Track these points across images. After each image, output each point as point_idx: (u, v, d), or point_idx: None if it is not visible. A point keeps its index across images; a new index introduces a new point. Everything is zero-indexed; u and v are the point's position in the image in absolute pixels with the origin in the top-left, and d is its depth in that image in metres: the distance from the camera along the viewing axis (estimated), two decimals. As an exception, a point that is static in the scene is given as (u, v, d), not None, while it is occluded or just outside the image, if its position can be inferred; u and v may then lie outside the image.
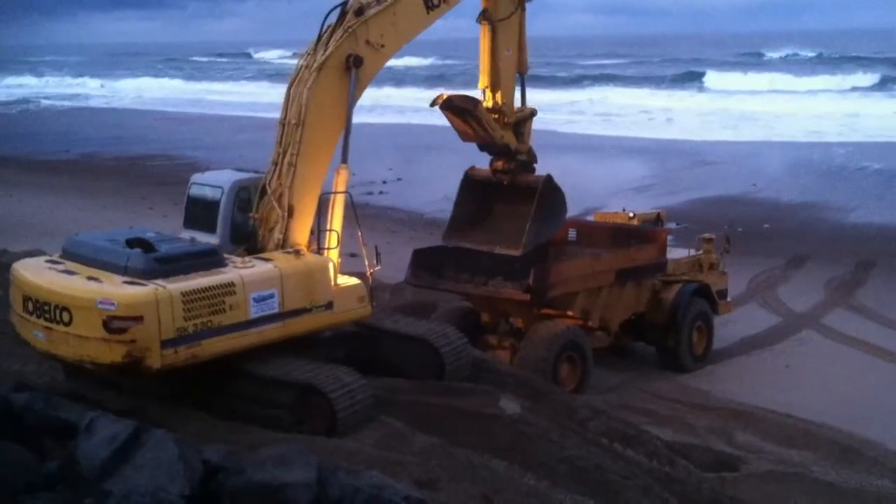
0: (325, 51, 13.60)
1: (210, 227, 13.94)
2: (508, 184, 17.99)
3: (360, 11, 13.79)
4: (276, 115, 13.96)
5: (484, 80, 17.45)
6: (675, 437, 15.40)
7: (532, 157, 18.13)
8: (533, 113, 18.09)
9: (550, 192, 17.70)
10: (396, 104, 71.67)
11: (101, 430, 8.83)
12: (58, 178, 44.16)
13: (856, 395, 18.31)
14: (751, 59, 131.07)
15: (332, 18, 14.00)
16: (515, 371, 15.92)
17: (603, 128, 63.72)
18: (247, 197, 14.12)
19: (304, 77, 13.61)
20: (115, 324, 10.91)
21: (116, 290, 11.14)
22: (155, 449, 8.63)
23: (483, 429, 12.35)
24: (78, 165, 49.74)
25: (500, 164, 17.95)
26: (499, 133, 17.34)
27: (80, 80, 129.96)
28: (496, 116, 17.36)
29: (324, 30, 13.94)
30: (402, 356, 14.30)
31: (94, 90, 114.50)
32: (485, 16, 17.12)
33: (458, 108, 17.05)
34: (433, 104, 17.19)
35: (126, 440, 8.69)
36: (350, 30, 13.68)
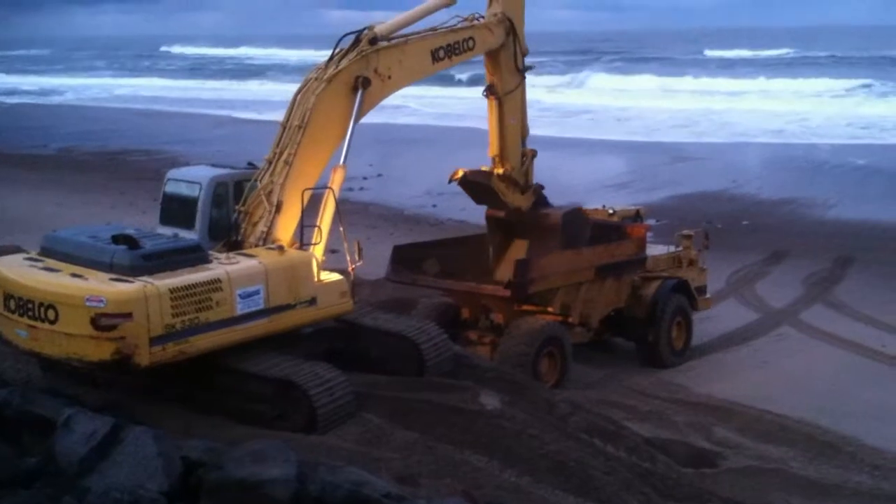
0: (336, 66, 14.41)
1: (187, 224, 13.93)
2: (529, 221, 18.99)
3: (373, 41, 14.76)
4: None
5: (493, 149, 18.47)
6: (654, 433, 15.45)
7: (539, 190, 19.06)
8: (534, 154, 19.03)
9: (571, 224, 18.72)
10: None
11: (79, 426, 8.82)
12: (36, 172, 43.81)
13: (834, 391, 18.42)
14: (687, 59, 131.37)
15: (345, 43, 14.91)
16: (496, 366, 15.93)
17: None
18: (224, 193, 14.19)
19: (312, 87, 14.28)
20: (104, 321, 10.84)
21: (105, 287, 11.06)
22: (134, 445, 8.62)
23: (464, 424, 12.35)
24: (56, 160, 49.38)
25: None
26: (510, 199, 18.54)
27: (36, 78, 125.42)
28: (506, 184, 18.43)
29: (336, 51, 14.79)
30: (382, 352, 14.30)
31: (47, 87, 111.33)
32: (491, 90, 18.17)
33: (473, 185, 18.29)
34: (450, 181, 18.32)
35: (105, 437, 8.68)
36: (363, 53, 14.56)
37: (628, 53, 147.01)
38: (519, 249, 19.24)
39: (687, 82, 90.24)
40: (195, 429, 11.23)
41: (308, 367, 12.23)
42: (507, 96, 18.09)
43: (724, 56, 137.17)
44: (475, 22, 17.05)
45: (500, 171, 18.40)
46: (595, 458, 12.53)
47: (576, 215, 18.94)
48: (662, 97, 78.96)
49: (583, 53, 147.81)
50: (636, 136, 57.40)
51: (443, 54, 16.19)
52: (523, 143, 18.91)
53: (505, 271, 18.86)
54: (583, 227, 19.03)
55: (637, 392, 18.15)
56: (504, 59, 17.87)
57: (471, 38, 16.78)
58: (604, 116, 68.55)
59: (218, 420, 11.74)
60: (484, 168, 18.60)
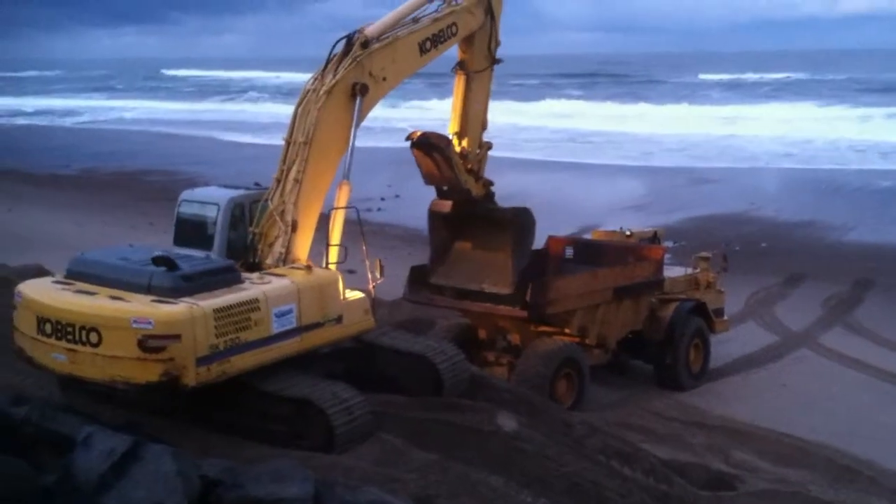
0: (333, 76, 14.37)
1: (203, 244, 13.99)
2: (478, 216, 18.39)
3: (365, 44, 14.73)
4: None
5: (454, 125, 18.22)
6: (672, 455, 15.38)
7: (489, 185, 18.60)
8: (489, 147, 18.65)
9: (520, 222, 18.02)
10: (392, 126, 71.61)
11: (98, 444, 8.84)
12: (57, 192, 44.20)
13: (853, 414, 18.33)
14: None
15: (338, 47, 14.78)
16: (513, 387, 15.92)
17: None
18: (240, 213, 14.26)
19: (311, 99, 14.25)
20: (152, 342, 10.87)
21: (151, 309, 11.10)
22: (153, 463, 8.63)
23: (481, 445, 12.35)
24: (77, 180, 49.80)
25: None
26: (463, 176, 17.88)
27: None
28: (462, 161, 18.03)
29: (330, 58, 14.68)
30: (400, 372, 14.31)
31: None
32: (461, 66, 18.10)
33: (431, 145, 17.52)
34: (408, 139, 17.71)
35: (123, 454, 8.69)
36: (357, 59, 14.52)
37: (626, 78, 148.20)
38: (462, 249, 18.76)
39: (682, 108, 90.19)
40: (213, 447, 11.26)
41: (326, 387, 12.25)
42: (475, 75, 18.00)
43: (718, 80, 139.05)
44: (454, 5, 16.89)
45: (458, 149, 18.06)
46: (612, 480, 12.49)
47: (525, 214, 18.20)
48: (658, 123, 78.29)
49: (583, 77, 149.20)
50: (634, 161, 56.98)
51: (429, 45, 16.16)
52: (481, 135, 18.61)
53: (444, 273, 18.53)
54: (531, 227, 18.25)
55: (654, 414, 18.09)
56: (479, 40, 17.82)
57: (454, 23, 16.74)
58: (601, 140, 68.15)
59: (236, 439, 11.77)
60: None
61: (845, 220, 37.86)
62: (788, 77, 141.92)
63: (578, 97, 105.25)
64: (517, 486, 11.56)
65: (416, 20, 16.05)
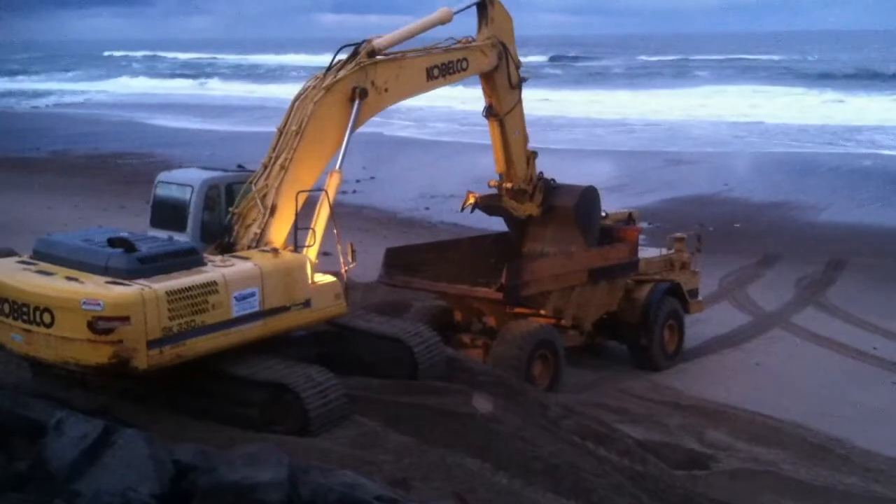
0: (335, 76, 14.56)
1: (179, 226, 13.91)
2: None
3: (372, 53, 15.00)
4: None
5: (500, 166, 19.10)
6: (646, 436, 15.47)
7: (544, 185, 19.56)
8: (535, 155, 19.43)
9: (582, 213, 19.40)
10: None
11: (70, 429, 8.76)
12: (28, 175, 43.73)
13: (825, 394, 18.49)
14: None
15: (342, 54, 15.16)
16: (488, 370, 15.93)
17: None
18: (216, 195, 14.20)
19: (311, 95, 14.38)
20: (101, 324, 10.73)
21: (102, 290, 10.96)
22: (125, 448, 8.57)
23: (456, 428, 12.34)
24: (48, 163, 49.28)
25: None
26: (521, 212, 19.52)
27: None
28: (516, 199, 19.36)
29: (334, 61, 14.97)
30: (375, 355, 14.27)
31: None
32: (490, 111, 18.58)
33: (486, 208, 19.63)
34: (463, 209, 19.71)
35: (95, 440, 8.63)
36: (361, 65, 14.76)
37: (585, 60, 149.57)
38: (541, 239, 20.13)
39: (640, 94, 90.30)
40: (187, 432, 11.19)
41: (300, 370, 12.19)
42: (507, 115, 18.43)
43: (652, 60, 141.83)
44: (468, 44, 17.30)
45: (509, 185, 18.95)
46: (587, 461, 12.53)
47: (584, 200, 19.43)
48: (609, 107, 78.49)
49: (548, 62, 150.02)
50: (603, 146, 56.50)
51: (437, 73, 16.47)
52: (526, 152, 19.17)
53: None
54: (594, 210, 19.74)
55: (629, 395, 18.18)
56: (499, 79, 18.16)
57: (465, 58, 17.08)
58: (565, 123, 67.67)
59: (210, 423, 11.69)
60: (492, 183, 19.20)
61: (817, 201, 38.15)
62: (729, 59, 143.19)
63: (544, 82, 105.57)
64: (493, 468, 11.58)
65: (427, 49, 16.49)
